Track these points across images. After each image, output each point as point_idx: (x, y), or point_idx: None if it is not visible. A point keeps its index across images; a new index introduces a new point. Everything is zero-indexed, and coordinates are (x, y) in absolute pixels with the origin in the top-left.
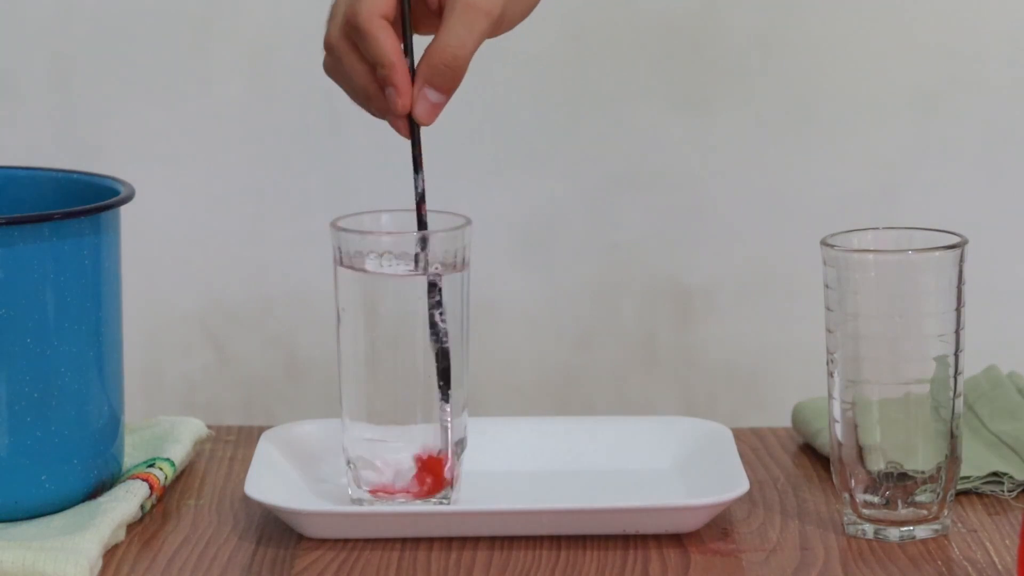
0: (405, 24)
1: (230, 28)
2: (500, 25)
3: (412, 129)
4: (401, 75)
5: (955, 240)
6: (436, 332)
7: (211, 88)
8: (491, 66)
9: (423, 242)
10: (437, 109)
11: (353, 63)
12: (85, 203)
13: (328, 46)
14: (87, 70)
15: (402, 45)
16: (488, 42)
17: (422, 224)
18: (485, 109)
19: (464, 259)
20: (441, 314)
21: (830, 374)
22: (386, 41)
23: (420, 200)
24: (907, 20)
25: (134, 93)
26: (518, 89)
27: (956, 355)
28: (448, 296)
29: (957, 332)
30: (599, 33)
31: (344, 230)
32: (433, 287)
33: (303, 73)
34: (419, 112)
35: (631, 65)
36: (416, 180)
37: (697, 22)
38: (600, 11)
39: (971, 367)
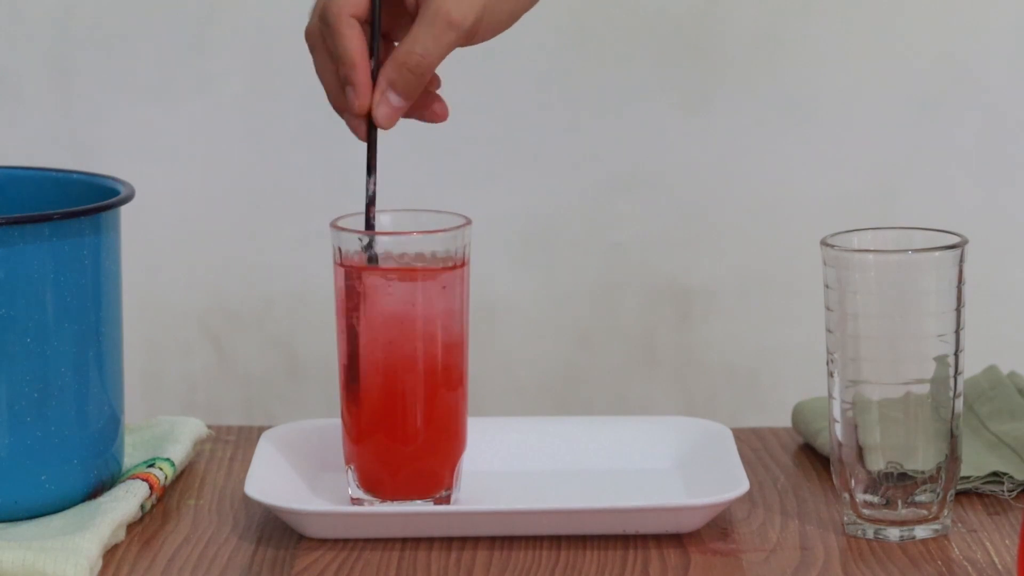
0: (374, 25)
1: (230, 28)
2: (472, 37)
3: (369, 131)
4: (361, 75)
5: (955, 240)
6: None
7: (211, 88)
8: (491, 66)
9: (370, 243)
10: (397, 113)
11: (322, 58)
12: (85, 203)
13: (306, 36)
14: (87, 70)
15: (371, 43)
16: (490, 42)
17: (370, 227)
18: (485, 109)
19: (464, 259)
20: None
21: (830, 374)
22: (351, 39)
23: (370, 203)
24: (907, 21)
25: (134, 93)
26: (518, 89)
27: (956, 355)
28: (448, 296)
29: (957, 332)
30: (599, 33)
31: (344, 230)
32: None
33: (303, 73)
34: (379, 115)
35: (631, 65)
36: (368, 183)
37: (697, 22)
38: (600, 11)
39: (971, 367)
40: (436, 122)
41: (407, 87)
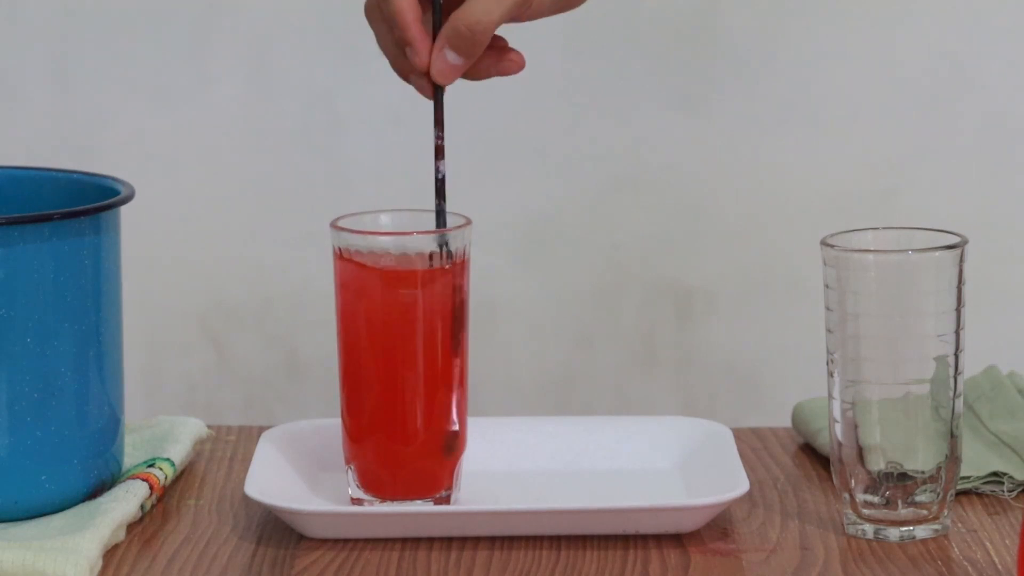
0: None
1: (230, 28)
2: (528, 6)
3: (436, 89)
4: (415, 32)
5: (955, 240)
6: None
7: (211, 88)
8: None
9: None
10: (455, 71)
11: (381, 29)
12: (85, 203)
13: (365, 10)
14: (86, 70)
15: (432, 4)
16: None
17: (440, 182)
18: (485, 109)
19: (464, 259)
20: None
21: (830, 374)
22: (401, 2)
23: (437, 155)
24: (907, 20)
25: (134, 93)
26: (518, 89)
27: (956, 355)
28: (449, 296)
29: (957, 332)
30: (599, 33)
31: (344, 230)
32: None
33: (303, 73)
34: (435, 71)
35: (631, 65)
36: (436, 137)
37: (697, 22)
38: (600, 11)
39: (971, 367)
40: (514, 72)
41: (466, 47)
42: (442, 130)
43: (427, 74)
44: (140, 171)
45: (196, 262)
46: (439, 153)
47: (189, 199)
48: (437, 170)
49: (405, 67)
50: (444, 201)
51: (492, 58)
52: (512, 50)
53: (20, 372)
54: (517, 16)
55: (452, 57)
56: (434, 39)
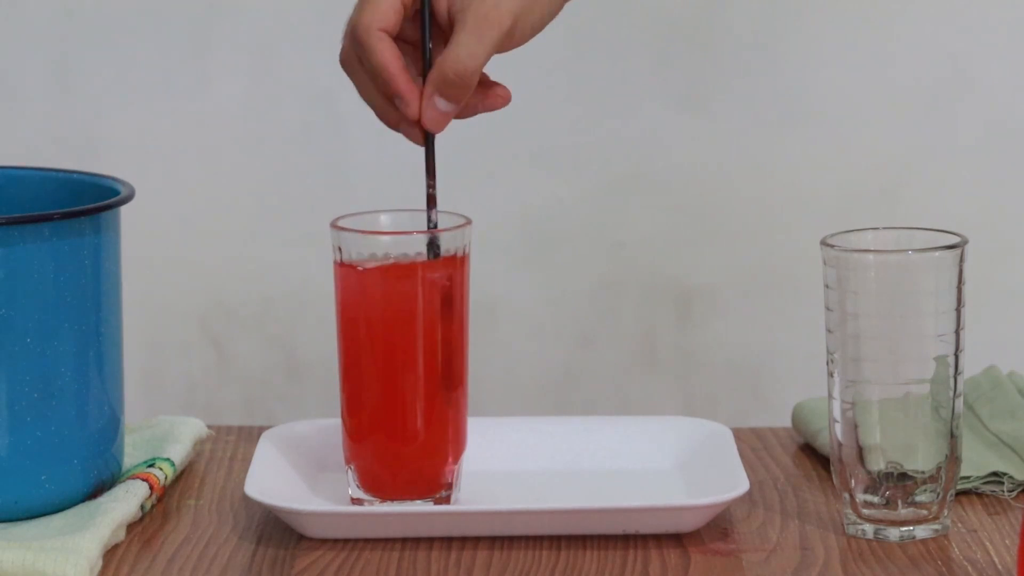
0: (424, 33)
1: (230, 28)
2: (511, 38)
3: (425, 136)
4: (403, 84)
5: (955, 240)
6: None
7: (211, 88)
8: (491, 66)
9: (432, 244)
10: (447, 118)
11: (362, 79)
12: (85, 203)
13: (341, 63)
14: (87, 70)
15: (421, 53)
16: None
17: (432, 228)
18: None
19: (464, 259)
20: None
21: (830, 374)
22: (383, 52)
23: (429, 204)
24: (907, 21)
25: (134, 93)
26: (519, 89)
27: (956, 355)
28: (448, 296)
29: (957, 332)
30: (599, 33)
31: (344, 230)
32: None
33: (303, 73)
34: (427, 120)
35: (631, 65)
36: (427, 185)
37: (697, 22)
38: (600, 10)
39: (971, 367)
40: (500, 107)
41: (454, 92)
42: (434, 178)
43: (418, 123)
44: (140, 171)
45: (196, 262)
46: (431, 202)
47: (189, 199)
48: (428, 219)
49: (393, 117)
50: (439, 250)
51: (478, 96)
52: (497, 84)
53: (20, 372)
54: (501, 50)
55: (443, 105)
56: (421, 72)
